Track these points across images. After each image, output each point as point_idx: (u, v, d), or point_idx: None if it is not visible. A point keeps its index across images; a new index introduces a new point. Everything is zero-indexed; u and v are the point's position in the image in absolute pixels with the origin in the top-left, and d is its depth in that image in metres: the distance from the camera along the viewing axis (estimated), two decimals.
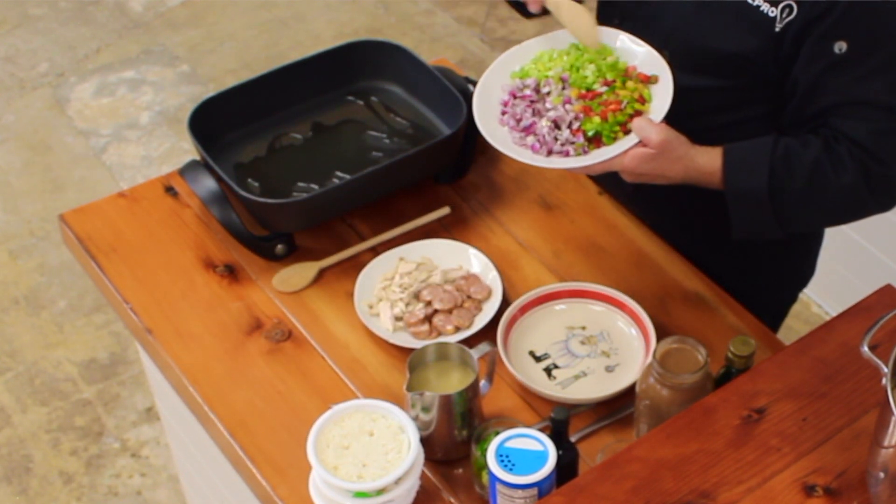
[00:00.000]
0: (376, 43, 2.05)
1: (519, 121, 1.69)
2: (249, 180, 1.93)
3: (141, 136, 3.67)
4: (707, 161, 1.67)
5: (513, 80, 1.74)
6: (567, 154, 1.65)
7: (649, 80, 1.69)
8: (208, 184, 1.87)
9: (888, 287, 1.65)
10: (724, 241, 1.86)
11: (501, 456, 1.45)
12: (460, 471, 1.61)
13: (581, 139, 1.64)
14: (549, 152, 1.66)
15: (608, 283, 1.80)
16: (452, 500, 1.58)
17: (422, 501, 1.57)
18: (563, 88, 1.69)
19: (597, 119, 1.64)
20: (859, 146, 1.64)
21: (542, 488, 1.45)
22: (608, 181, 1.97)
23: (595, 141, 1.65)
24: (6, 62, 3.94)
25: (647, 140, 1.61)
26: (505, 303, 1.78)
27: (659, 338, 1.67)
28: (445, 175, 1.98)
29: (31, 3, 4.16)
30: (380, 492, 1.49)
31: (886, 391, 1.31)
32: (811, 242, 2.00)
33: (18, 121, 3.74)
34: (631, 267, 1.85)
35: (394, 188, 1.94)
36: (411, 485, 1.52)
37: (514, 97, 1.72)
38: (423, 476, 1.58)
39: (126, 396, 2.97)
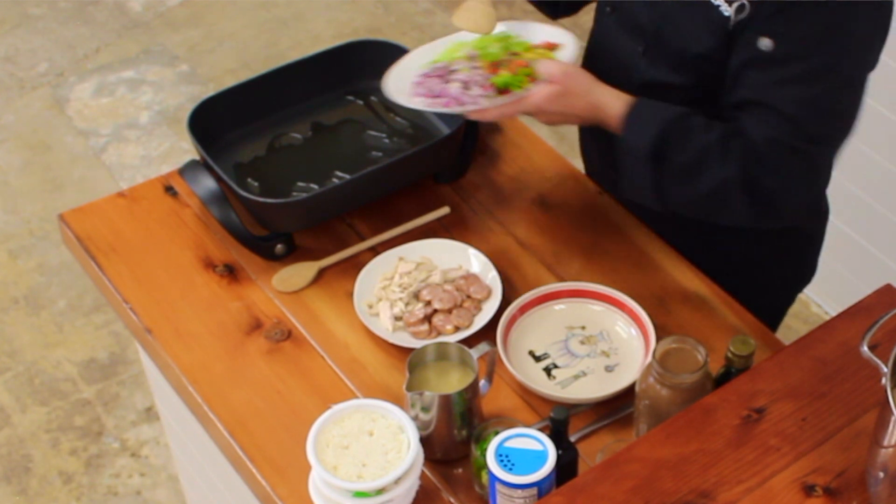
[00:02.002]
0: (376, 43, 2.05)
1: (432, 92, 1.75)
2: (249, 180, 1.93)
3: (140, 135, 3.67)
4: (611, 101, 1.70)
5: (424, 68, 1.81)
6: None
7: (554, 48, 1.77)
8: (208, 184, 1.87)
9: (888, 287, 1.65)
10: (722, 241, 1.86)
11: (501, 456, 1.45)
12: (460, 471, 1.61)
13: (492, 92, 1.71)
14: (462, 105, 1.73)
15: (608, 283, 1.80)
16: (452, 499, 1.58)
17: (421, 501, 1.57)
18: (473, 66, 1.76)
19: (505, 73, 1.71)
20: (753, 149, 1.63)
21: (542, 488, 1.45)
22: (609, 181, 1.97)
23: (505, 93, 1.72)
24: (6, 62, 3.94)
25: (550, 76, 1.67)
26: (505, 303, 1.78)
27: (659, 338, 1.67)
28: (445, 175, 1.98)
29: (31, 3, 4.16)
30: (379, 491, 1.49)
31: (886, 391, 1.31)
32: (811, 244, 2.00)
33: (18, 121, 3.74)
34: (631, 267, 1.85)
35: (394, 188, 1.93)
36: (411, 485, 1.52)
37: (427, 77, 1.78)
38: (422, 476, 1.58)
39: (126, 396, 2.97)
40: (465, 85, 1.73)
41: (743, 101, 1.65)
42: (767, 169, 1.63)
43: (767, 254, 1.92)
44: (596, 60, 1.88)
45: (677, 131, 1.66)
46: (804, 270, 2.03)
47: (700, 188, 1.67)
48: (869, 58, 1.66)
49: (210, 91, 3.61)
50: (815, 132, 1.63)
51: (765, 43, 1.60)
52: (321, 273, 1.85)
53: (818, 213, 1.95)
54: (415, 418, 1.56)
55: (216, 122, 1.95)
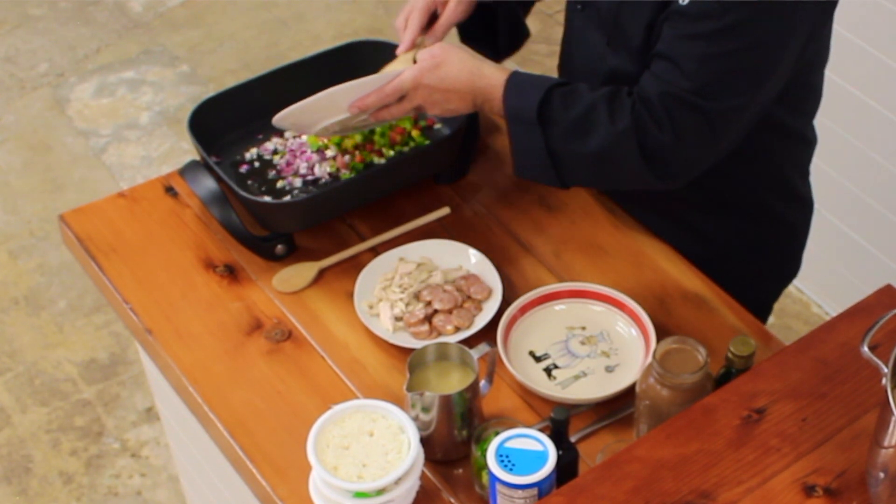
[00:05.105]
0: (376, 43, 2.05)
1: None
2: (249, 181, 1.93)
3: (141, 136, 3.67)
4: (492, 70, 1.72)
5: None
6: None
7: None
8: (208, 184, 1.87)
9: (888, 287, 1.65)
10: (705, 228, 1.86)
11: (501, 456, 1.45)
12: (460, 471, 1.61)
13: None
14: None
15: (608, 283, 1.80)
16: (452, 500, 1.58)
17: (422, 501, 1.57)
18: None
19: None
20: (646, 103, 1.63)
21: (542, 488, 1.45)
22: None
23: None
24: (6, 62, 3.95)
25: (432, 54, 1.72)
26: (505, 303, 1.78)
27: (659, 338, 1.67)
28: (445, 175, 1.98)
29: (31, 3, 4.16)
30: (380, 492, 1.49)
31: (886, 391, 1.31)
32: (794, 235, 1.99)
33: (18, 121, 3.74)
34: (631, 267, 1.85)
35: (394, 188, 1.94)
36: (411, 485, 1.52)
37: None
38: (422, 476, 1.58)
39: (126, 396, 2.97)
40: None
41: (653, 55, 1.66)
42: (658, 121, 1.63)
43: (750, 243, 1.92)
44: (570, 59, 1.89)
45: (562, 93, 1.68)
46: (789, 263, 2.02)
47: (591, 145, 1.66)
48: (794, 22, 1.62)
49: (210, 91, 3.62)
50: (713, 90, 1.61)
51: None
52: (321, 273, 1.85)
53: (797, 201, 1.94)
54: (415, 419, 1.56)
55: (216, 123, 1.95)
